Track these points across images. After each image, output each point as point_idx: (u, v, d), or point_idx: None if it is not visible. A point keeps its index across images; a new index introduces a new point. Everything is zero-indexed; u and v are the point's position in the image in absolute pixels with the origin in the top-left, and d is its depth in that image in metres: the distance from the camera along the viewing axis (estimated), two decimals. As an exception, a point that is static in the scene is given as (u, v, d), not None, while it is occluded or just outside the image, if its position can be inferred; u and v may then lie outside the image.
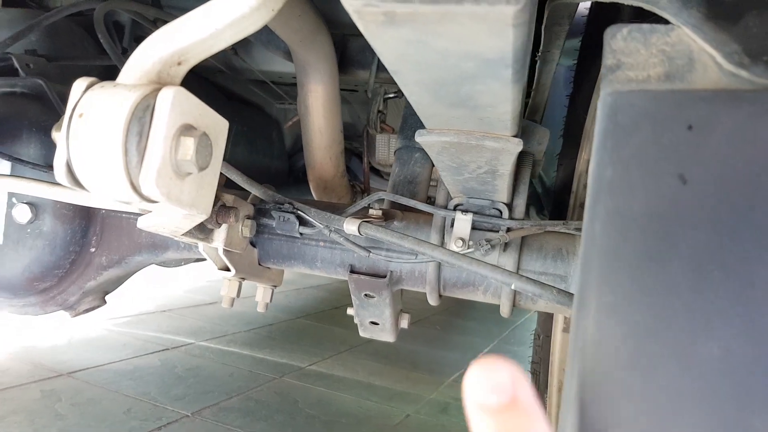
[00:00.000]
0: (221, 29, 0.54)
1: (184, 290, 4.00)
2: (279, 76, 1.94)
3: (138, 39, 1.61)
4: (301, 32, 1.14)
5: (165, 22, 1.45)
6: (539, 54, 1.10)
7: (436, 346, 3.44)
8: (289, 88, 2.10)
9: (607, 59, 0.42)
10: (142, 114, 0.55)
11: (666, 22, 0.42)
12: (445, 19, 0.32)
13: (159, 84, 0.57)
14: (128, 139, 0.54)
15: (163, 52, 0.58)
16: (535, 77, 1.17)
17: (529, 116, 1.33)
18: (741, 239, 0.38)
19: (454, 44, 0.36)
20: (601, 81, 0.41)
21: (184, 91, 0.56)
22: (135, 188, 0.56)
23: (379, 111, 1.84)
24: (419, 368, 2.94)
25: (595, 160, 0.43)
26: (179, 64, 0.58)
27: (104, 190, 0.57)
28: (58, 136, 0.57)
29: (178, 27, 0.58)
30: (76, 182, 0.57)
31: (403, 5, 0.31)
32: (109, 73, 1.60)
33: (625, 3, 0.44)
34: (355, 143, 2.29)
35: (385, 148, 2.05)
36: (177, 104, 0.56)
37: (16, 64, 1.30)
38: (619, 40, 0.42)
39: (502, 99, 0.47)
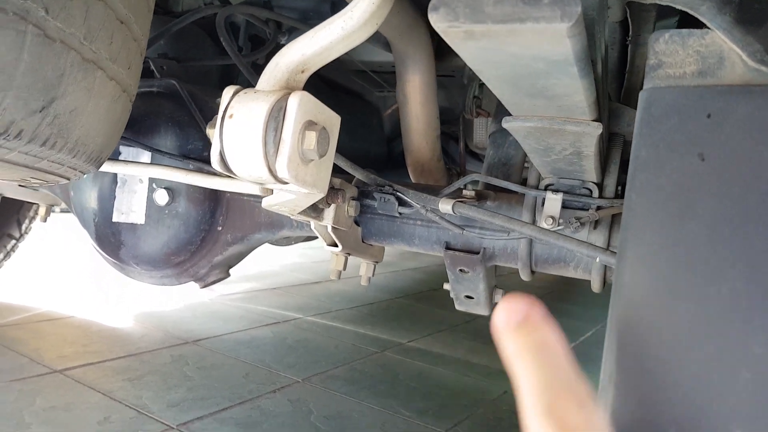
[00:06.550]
0: (335, 42, 0.66)
1: (290, 270, 4.25)
2: (379, 66, 2.03)
3: (251, 38, 1.76)
4: (399, 27, 1.23)
5: (276, 22, 1.60)
6: (630, 38, 1.12)
7: (535, 327, 3.43)
8: (388, 77, 2.18)
9: (650, 60, 0.50)
10: (277, 114, 0.68)
11: (702, 26, 0.48)
12: (514, 34, 0.40)
13: (288, 89, 0.70)
14: (267, 134, 0.67)
15: (291, 64, 0.70)
16: (629, 59, 1.19)
17: (625, 97, 1.34)
18: (746, 203, 0.45)
19: (523, 50, 0.44)
20: (644, 78, 0.48)
21: (307, 95, 0.69)
22: (272, 172, 0.70)
23: (474, 96, 1.90)
24: (517, 348, 2.96)
25: (634, 144, 0.51)
26: (302, 72, 0.70)
27: (248, 174, 0.71)
28: (212, 132, 0.71)
29: (302, 43, 0.70)
30: (227, 168, 0.71)
31: (478, 25, 0.39)
32: (226, 69, 1.76)
33: (674, 6, 0.50)
34: (453, 127, 2.35)
35: (483, 130, 2.10)
36: (302, 105, 0.69)
37: (153, 67, 1.49)
38: (661, 43, 0.49)
39: (574, 90, 0.54)
